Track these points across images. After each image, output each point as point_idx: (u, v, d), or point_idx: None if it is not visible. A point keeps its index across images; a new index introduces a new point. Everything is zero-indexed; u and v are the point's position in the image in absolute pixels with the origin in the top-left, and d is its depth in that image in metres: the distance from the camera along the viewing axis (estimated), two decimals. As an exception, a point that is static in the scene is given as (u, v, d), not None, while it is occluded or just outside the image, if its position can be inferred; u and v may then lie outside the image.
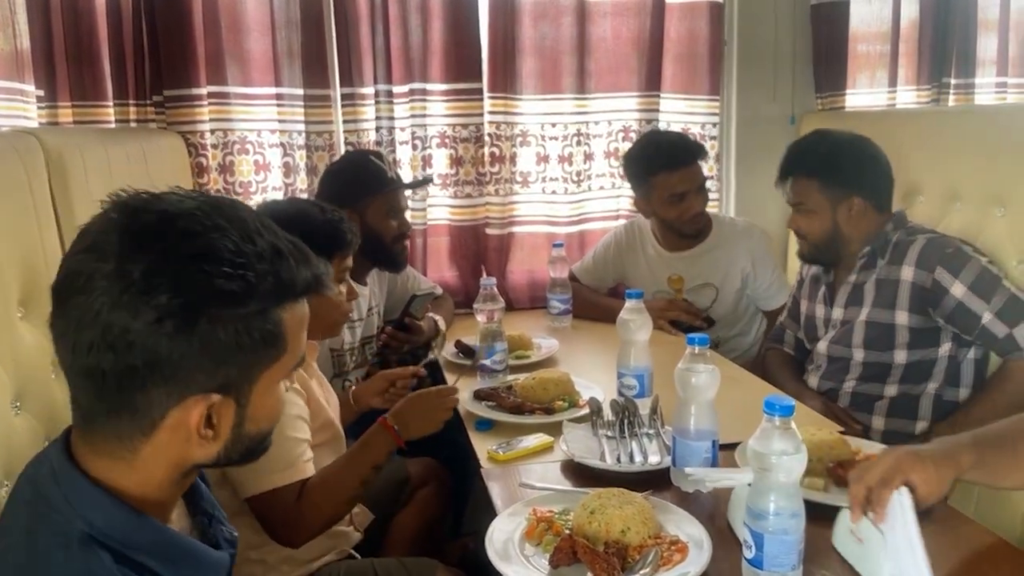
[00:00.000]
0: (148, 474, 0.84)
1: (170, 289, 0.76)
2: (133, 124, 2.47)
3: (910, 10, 2.97)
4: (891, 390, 1.97)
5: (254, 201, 2.56)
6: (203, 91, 2.46)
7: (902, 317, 1.92)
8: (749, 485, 1.13)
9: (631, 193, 2.74)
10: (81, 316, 0.77)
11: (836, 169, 2.00)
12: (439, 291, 2.65)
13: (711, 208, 2.82)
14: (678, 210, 2.51)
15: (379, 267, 2.36)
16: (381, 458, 1.54)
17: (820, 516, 1.24)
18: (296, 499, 1.44)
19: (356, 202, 2.20)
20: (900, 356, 1.94)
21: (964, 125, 2.09)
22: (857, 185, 1.99)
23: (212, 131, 2.51)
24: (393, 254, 2.31)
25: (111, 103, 2.45)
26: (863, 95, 2.99)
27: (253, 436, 0.89)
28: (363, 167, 2.28)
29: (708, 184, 2.89)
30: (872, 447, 1.52)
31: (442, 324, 2.51)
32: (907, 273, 1.91)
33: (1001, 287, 1.83)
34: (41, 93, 2.37)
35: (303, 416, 1.53)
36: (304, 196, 2.61)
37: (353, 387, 2.04)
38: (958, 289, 1.84)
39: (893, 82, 3.00)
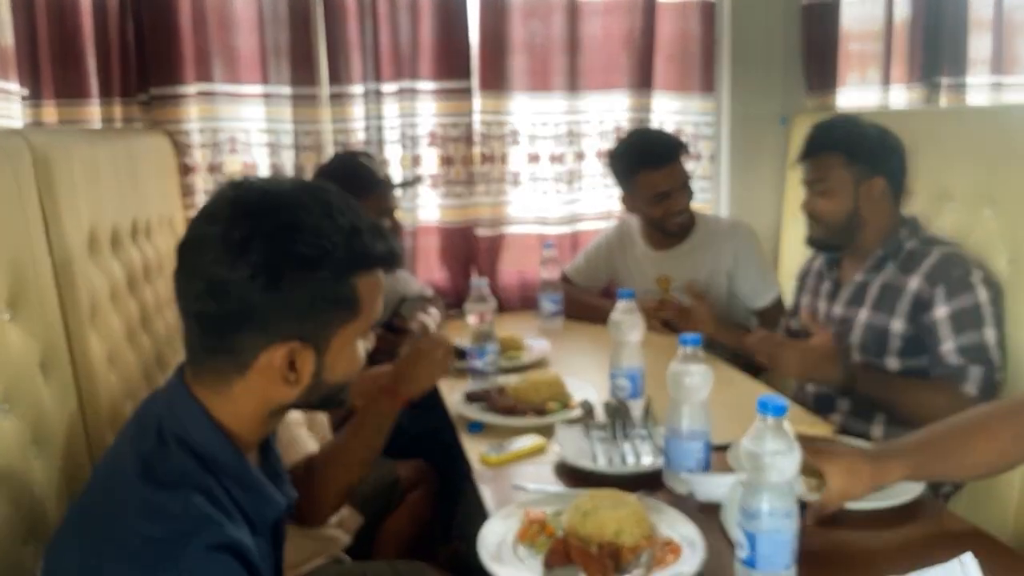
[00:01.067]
0: (240, 407, 1.01)
1: (261, 250, 0.94)
2: (119, 123, 2.47)
3: (902, 9, 3.00)
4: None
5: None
6: (190, 89, 2.47)
7: (897, 325, 1.91)
8: (743, 486, 1.15)
9: (622, 203, 2.76)
10: (194, 270, 0.97)
11: (862, 146, 1.97)
12: (429, 292, 2.66)
13: (702, 206, 2.85)
14: (663, 208, 2.54)
15: None
16: (385, 420, 1.54)
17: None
18: (304, 476, 1.46)
19: None
20: (892, 363, 1.93)
21: (955, 126, 2.12)
22: (882, 165, 1.97)
23: (200, 130, 2.51)
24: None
25: (97, 101, 2.45)
26: (854, 94, 3.02)
27: (331, 385, 1.05)
28: (353, 168, 2.29)
29: (702, 183, 2.93)
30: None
31: (432, 326, 2.51)
32: (914, 283, 1.89)
33: (979, 331, 1.81)
34: (26, 91, 2.37)
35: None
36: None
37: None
38: (941, 312, 1.84)
39: (885, 81, 3.03)
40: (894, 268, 1.95)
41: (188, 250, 0.99)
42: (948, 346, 1.84)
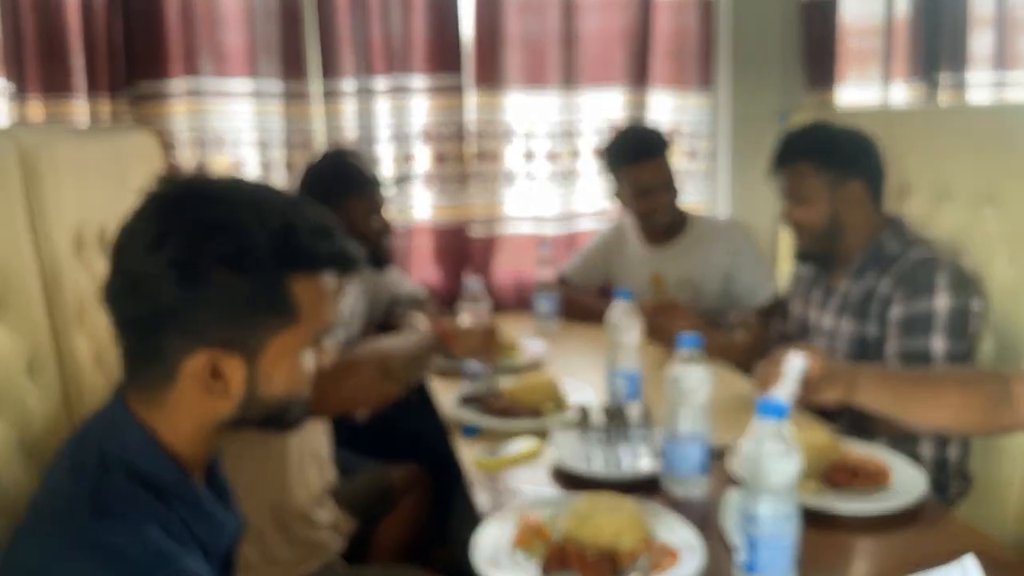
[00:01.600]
0: (179, 423, 0.96)
1: (176, 246, 0.90)
2: (106, 119, 2.46)
3: (902, 5, 3.00)
4: None
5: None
6: (177, 85, 2.45)
7: (871, 330, 1.91)
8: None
9: (615, 196, 2.76)
10: (116, 269, 0.94)
11: (832, 150, 1.96)
12: (422, 293, 2.66)
13: (700, 205, 2.85)
14: (647, 203, 2.56)
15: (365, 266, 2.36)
16: (427, 357, 1.61)
17: (814, 520, 1.26)
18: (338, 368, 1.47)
19: (338, 203, 2.21)
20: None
21: (955, 124, 2.12)
22: (854, 167, 1.96)
23: (187, 128, 2.50)
24: (379, 252, 2.32)
25: (83, 97, 2.44)
26: (854, 91, 3.02)
27: (269, 400, 0.98)
28: (342, 167, 2.28)
29: (700, 182, 2.93)
30: (866, 449, 1.54)
31: (424, 326, 2.51)
32: (884, 286, 1.89)
33: (926, 338, 1.78)
34: (11, 87, 2.36)
35: None
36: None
37: None
38: (896, 312, 1.83)
39: (885, 78, 3.03)
40: (874, 271, 1.94)
41: (113, 250, 0.96)
42: (891, 349, 1.84)
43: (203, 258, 0.90)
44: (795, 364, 1.24)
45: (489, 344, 1.76)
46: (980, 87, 3.13)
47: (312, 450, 1.74)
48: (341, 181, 2.24)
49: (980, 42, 3.10)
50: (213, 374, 0.93)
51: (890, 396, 1.36)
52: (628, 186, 2.56)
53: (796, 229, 2.05)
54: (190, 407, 0.96)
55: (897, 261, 1.90)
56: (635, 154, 2.53)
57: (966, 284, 1.84)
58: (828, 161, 1.96)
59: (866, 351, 1.93)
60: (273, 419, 1.02)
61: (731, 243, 2.60)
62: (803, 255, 2.10)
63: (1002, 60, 3.14)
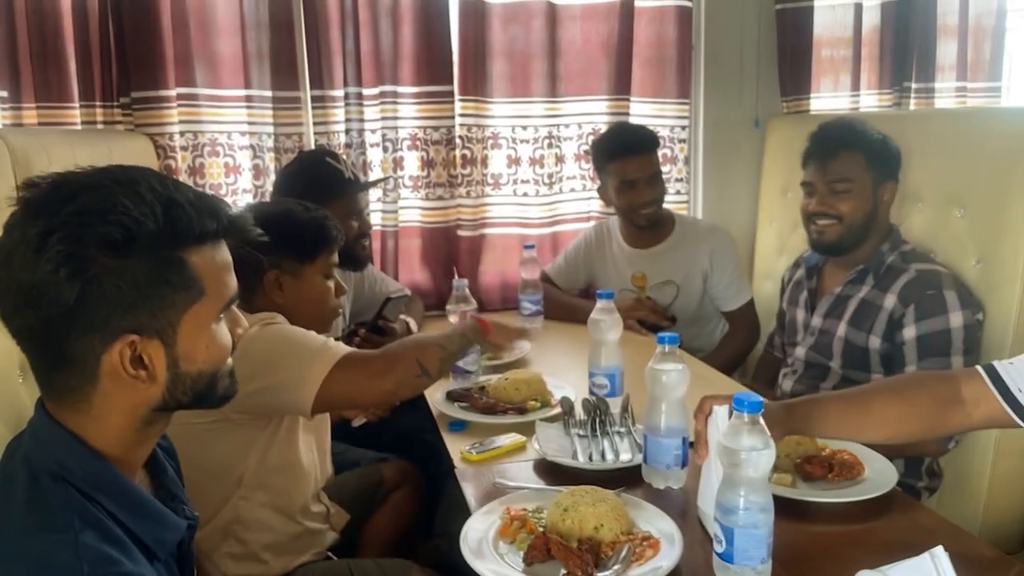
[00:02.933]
0: (108, 423, 0.92)
1: (59, 242, 0.84)
2: (100, 126, 2.44)
3: (871, 16, 3.02)
4: None
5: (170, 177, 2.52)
6: (172, 92, 2.43)
7: (874, 342, 1.89)
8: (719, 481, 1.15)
9: (599, 195, 2.77)
10: (6, 285, 0.87)
11: (880, 149, 1.94)
12: (408, 293, 2.65)
13: (678, 209, 2.86)
14: (629, 198, 2.56)
15: (341, 266, 2.34)
16: (464, 336, 1.67)
17: (789, 511, 1.26)
18: (366, 362, 1.51)
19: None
20: (877, 380, 1.90)
21: (925, 128, 2.14)
22: (893, 169, 1.95)
23: (181, 133, 2.48)
24: (354, 254, 2.30)
25: (77, 104, 2.42)
26: (827, 99, 3.04)
27: (195, 376, 0.95)
28: (320, 170, 2.24)
29: (677, 186, 2.94)
30: (839, 443, 1.54)
31: (414, 326, 2.50)
32: (889, 301, 1.87)
33: (947, 358, 1.78)
34: (5, 94, 2.33)
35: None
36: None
37: None
38: (910, 332, 1.82)
39: (856, 86, 3.05)
40: (873, 283, 1.93)
41: None
42: (911, 370, 1.82)
43: (91, 249, 0.85)
44: (718, 415, 1.21)
45: (521, 337, 1.94)
46: (948, 95, 3.15)
47: (319, 443, 1.74)
48: (319, 185, 2.20)
49: (946, 51, 3.12)
50: (133, 363, 0.90)
51: (828, 423, 1.32)
52: (614, 181, 2.56)
53: (829, 219, 1.96)
54: (117, 402, 0.92)
55: (899, 275, 1.88)
56: (624, 148, 2.54)
57: (971, 299, 1.83)
58: (878, 157, 1.94)
59: (866, 358, 1.92)
60: (203, 396, 0.98)
61: (713, 245, 2.61)
62: (829, 247, 2.01)
63: (968, 70, 3.17)
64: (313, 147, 2.59)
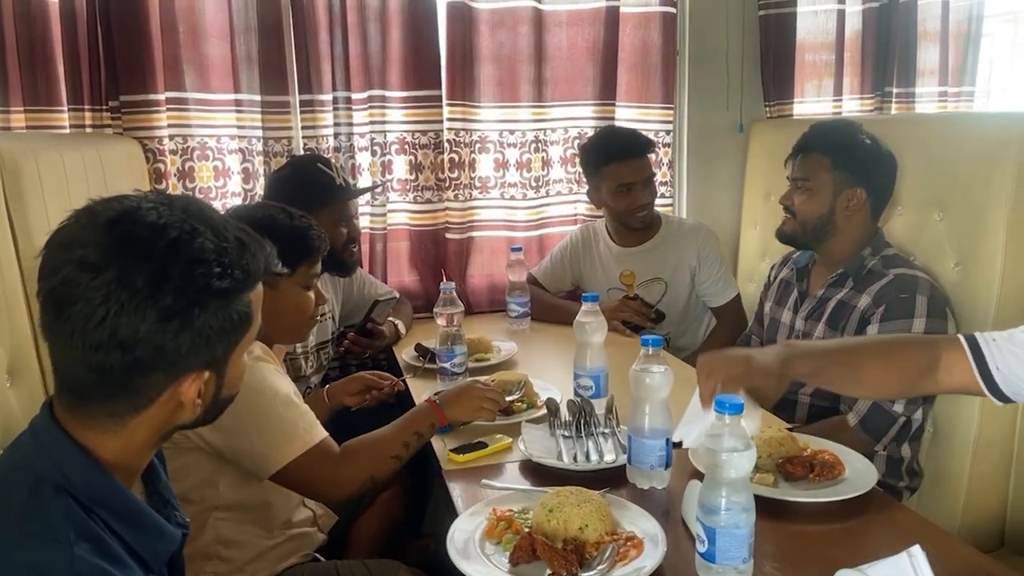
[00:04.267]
0: (131, 440, 0.92)
1: (174, 292, 0.85)
2: (89, 130, 2.42)
3: (854, 21, 3.04)
4: (846, 410, 1.86)
5: (215, 207, 2.51)
6: (161, 96, 2.42)
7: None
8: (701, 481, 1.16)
9: (587, 198, 2.78)
10: (87, 321, 0.84)
11: (851, 154, 1.96)
12: (396, 296, 2.65)
13: (663, 210, 2.87)
14: (626, 201, 2.57)
15: (329, 272, 2.34)
16: (424, 428, 1.61)
17: (770, 511, 1.27)
18: (333, 457, 1.51)
19: (305, 211, 2.18)
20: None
21: (905, 133, 2.15)
22: (866, 177, 1.95)
23: (170, 137, 2.46)
24: (343, 260, 2.30)
25: (66, 108, 2.40)
26: (810, 104, 3.05)
27: (225, 400, 1.00)
28: (310, 176, 2.23)
29: (662, 189, 2.95)
30: (820, 443, 1.55)
31: (402, 329, 2.50)
32: (863, 302, 1.88)
33: None
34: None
35: (294, 392, 1.56)
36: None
37: (327, 388, 2.03)
38: (872, 330, 1.83)
39: (839, 91, 3.07)
40: (852, 285, 1.95)
41: (66, 300, 0.84)
42: None
43: (199, 298, 0.87)
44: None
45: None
46: (929, 100, 3.17)
47: None
48: (309, 191, 2.19)
49: (927, 57, 3.14)
50: (197, 395, 0.93)
51: (814, 370, 1.39)
52: (609, 183, 2.57)
53: (790, 213, 2.04)
54: (155, 425, 0.93)
55: (877, 279, 1.89)
56: (621, 151, 2.55)
57: (943, 310, 1.84)
58: (843, 161, 1.96)
59: None
60: (219, 413, 1.01)
61: (700, 243, 2.63)
62: (786, 237, 2.08)
63: (948, 75, 3.19)
64: (302, 151, 2.58)
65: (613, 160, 2.55)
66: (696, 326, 2.70)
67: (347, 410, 1.99)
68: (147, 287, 0.84)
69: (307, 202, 2.15)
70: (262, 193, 2.57)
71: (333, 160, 2.42)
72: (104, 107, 2.42)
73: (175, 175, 2.48)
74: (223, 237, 0.91)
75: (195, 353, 0.89)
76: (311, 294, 1.67)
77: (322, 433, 1.52)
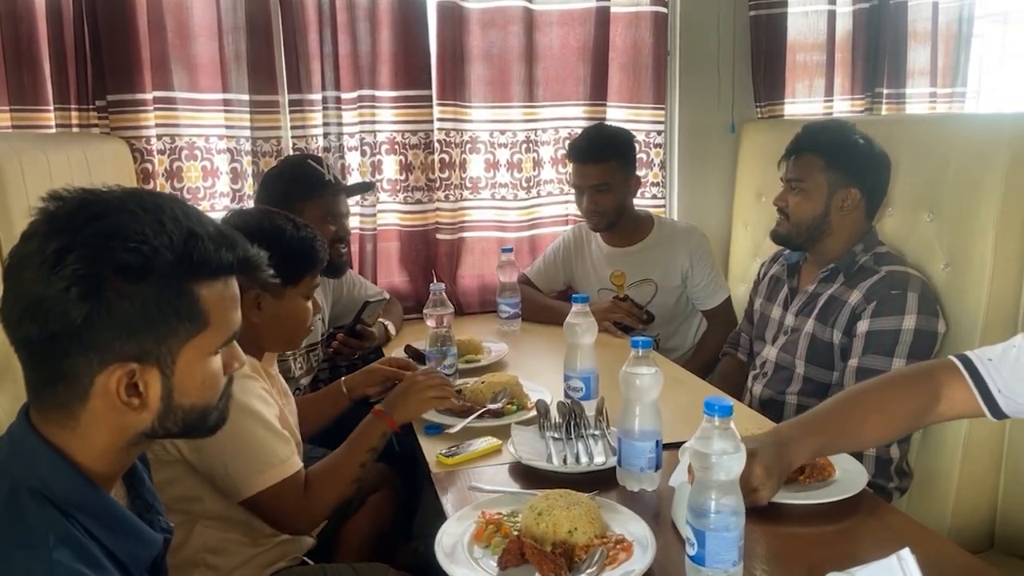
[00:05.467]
0: (93, 440, 0.91)
1: (76, 261, 0.84)
2: (75, 129, 2.40)
3: (844, 22, 3.04)
4: None
5: (203, 207, 2.51)
6: (148, 96, 2.40)
7: (836, 336, 1.91)
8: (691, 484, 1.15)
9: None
10: (15, 293, 0.87)
11: (845, 155, 1.96)
12: (387, 296, 2.64)
13: (655, 211, 2.87)
14: (578, 202, 2.63)
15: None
16: (376, 441, 1.62)
17: (761, 513, 1.27)
18: (302, 490, 1.51)
19: (291, 206, 2.17)
20: (837, 376, 1.93)
21: (895, 133, 2.15)
22: (860, 177, 1.95)
23: (158, 136, 2.45)
24: (331, 260, 2.28)
25: (52, 108, 2.38)
26: (801, 104, 3.06)
27: (188, 409, 0.95)
28: (299, 170, 2.26)
29: (652, 190, 2.95)
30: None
31: (392, 330, 2.49)
32: (854, 297, 1.89)
33: (888, 359, 1.79)
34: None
35: (277, 416, 1.55)
36: (252, 203, 2.57)
37: (344, 380, 2.03)
38: (863, 326, 1.84)
39: (829, 92, 3.07)
40: (843, 281, 1.95)
41: (9, 273, 0.88)
42: (852, 362, 1.84)
43: (106, 271, 0.85)
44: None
45: None
46: (920, 101, 3.18)
47: (296, 442, 1.72)
48: (296, 185, 2.22)
49: (917, 58, 3.15)
50: (128, 390, 0.89)
51: (818, 443, 1.32)
52: (573, 181, 2.62)
53: (783, 214, 2.04)
54: (105, 423, 0.91)
55: (869, 276, 1.89)
56: (573, 153, 2.58)
57: (934, 307, 1.84)
58: (836, 162, 1.96)
59: (824, 353, 1.94)
60: (194, 427, 0.97)
61: (692, 245, 2.64)
62: (780, 239, 2.09)
63: (938, 76, 3.20)
64: (291, 151, 2.57)
65: (572, 159, 2.60)
66: (686, 328, 2.70)
67: (364, 401, 1.98)
68: (54, 255, 0.84)
69: (294, 196, 2.17)
70: (252, 194, 2.56)
71: (325, 159, 2.41)
72: (91, 106, 2.40)
73: (163, 175, 2.47)
74: (158, 222, 0.88)
75: (114, 338, 0.87)
76: (309, 304, 1.67)
77: (297, 464, 1.52)
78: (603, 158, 2.54)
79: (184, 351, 0.92)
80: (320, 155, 2.51)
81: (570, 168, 2.78)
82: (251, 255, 0.97)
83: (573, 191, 2.66)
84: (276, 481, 1.47)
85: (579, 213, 2.89)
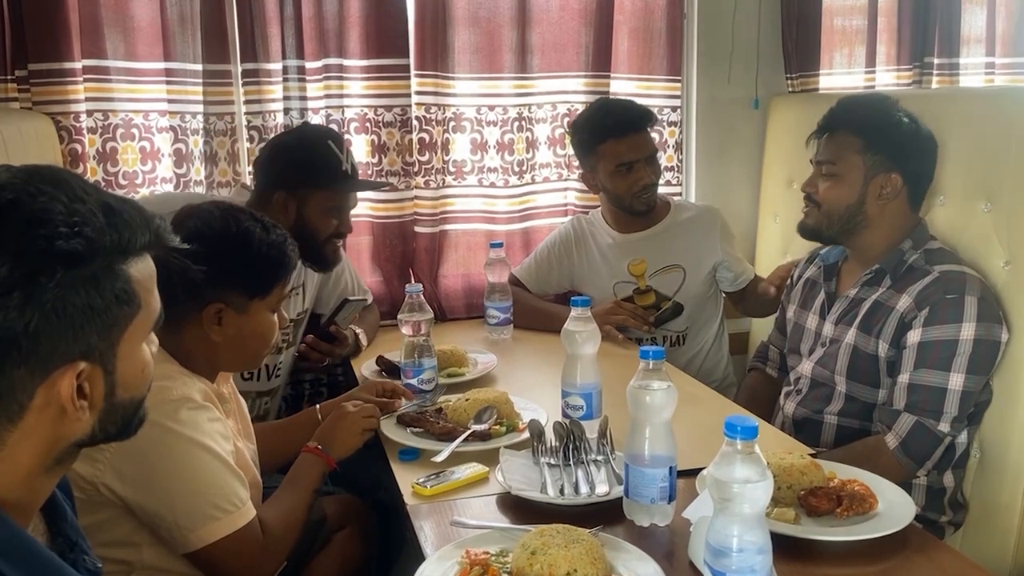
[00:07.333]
0: (14, 465, 0.89)
1: (10, 260, 0.82)
2: (-7, 103, 2.39)
3: (889, -18, 3.06)
4: (883, 430, 1.86)
5: (140, 195, 2.50)
6: (77, 65, 2.40)
7: (883, 348, 1.90)
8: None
9: (578, 185, 2.77)
10: None
11: (885, 135, 1.94)
12: (370, 299, 2.63)
13: (672, 195, 2.87)
14: (627, 182, 2.58)
15: (304, 262, 2.31)
16: (316, 482, 1.69)
17: (791, 551, 1.26)
18: (260, 541, 1.52)
19: (297, 188, 2.17)
20: (883, 394, 1.92)
21: (947, 109, 2.15)
22: (902, 161, 1.93)
23: (88, 112, 2.45)
24: (323, 253, 2.28)
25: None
26: (839, 76, 3.07)
27: (127, 405, 0.96)
28: (316, 153, 2.23)
29: (667, 175, 2.95)
30: (848, 472, 1.54)
31: (364, 340, 2.48)
32: (903, 303, 1.87)
33: (944, 373, 1.79)
34: None
35: (231, 451, 1.55)
36: (202, 189, 2.56)
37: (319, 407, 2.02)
38: (915, 336, 1.83)
39: (871, 62, 3.08)
40: (890, 284, 1.94)
41: None
42: (903, 378, 1.83)
43: (41, 265, 0.83)
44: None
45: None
46: (975, 72, 3.18)
47: (252, 478, 1.71)
48: (309, 168, 2.20)
49: (972, 23, 3.15)
50: (76, 392, 0.88)
51: None
52: (606, 163, 2.58)
53: (812, 202, 2.02)
54: (36, 441, 0.89)
55: (920, 277, 1.88)
56: (619, 126, 2.56)
57: (995, 313, 1.84)
58: (876, 143, 1.94)
59: (867, 367, 1.93)
60: (127, 426, 0.99)
61: (716, 224, 2.67)
62: (809, 231, 2.07)
63: (997, 44, 3.21)
64: (244, 128, 2.57)
65: (610, 136, 2.55)
66: (714, 316, 2.73)
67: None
68: None
69: (301, 180, 2.17)
70: (200, 179, 2.55)
71: (346, 141, 2.39)
72: (9, 77, 2.39)
73: (94, 157, 2.47)
74: (78, 199, 0.88)
75: (60, 338, 0.86)
76: (275, 318, 1.66)
77: (252, 511, 1.51)
78: (651, 121, 2.60)
79: (123, 340, 0.93)
80: (338, 133, 2.48)
81: (570, 151, 2.78)
82: (161, 226, 0.97)
83: (608, 175, 2.60)
84: (231, 531, 1.46)
85: (578, 203, 2.91)
